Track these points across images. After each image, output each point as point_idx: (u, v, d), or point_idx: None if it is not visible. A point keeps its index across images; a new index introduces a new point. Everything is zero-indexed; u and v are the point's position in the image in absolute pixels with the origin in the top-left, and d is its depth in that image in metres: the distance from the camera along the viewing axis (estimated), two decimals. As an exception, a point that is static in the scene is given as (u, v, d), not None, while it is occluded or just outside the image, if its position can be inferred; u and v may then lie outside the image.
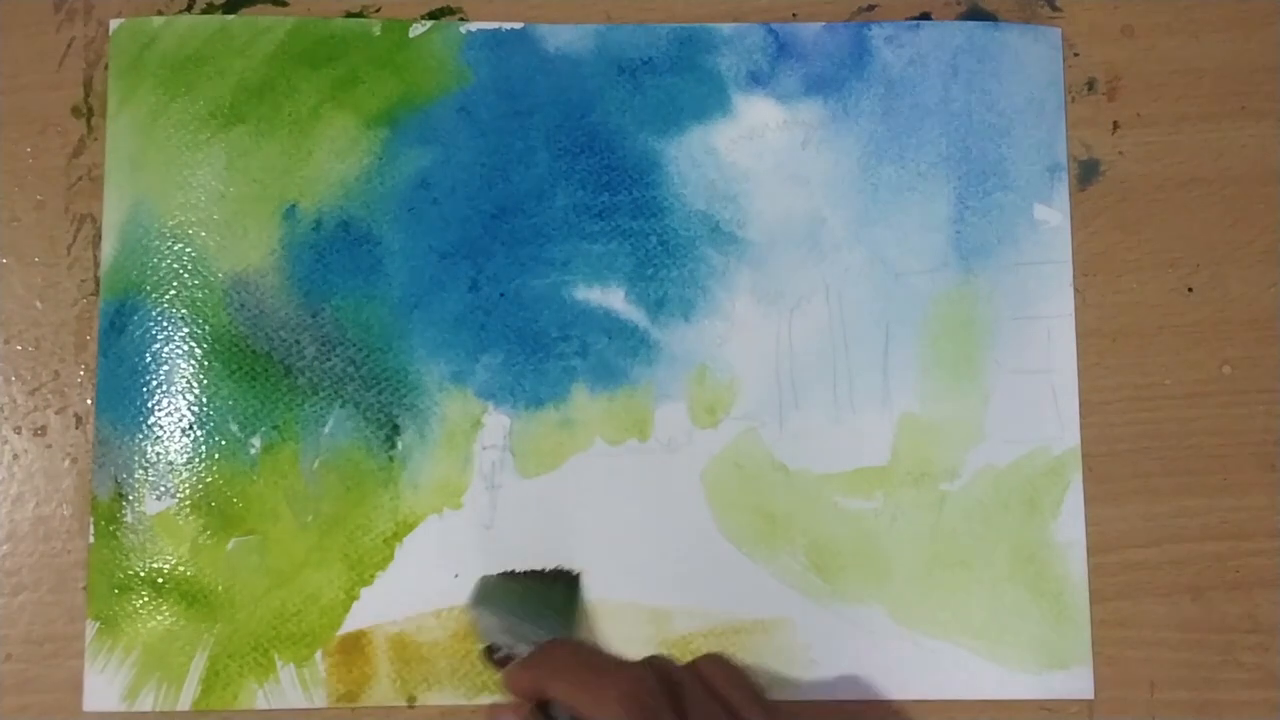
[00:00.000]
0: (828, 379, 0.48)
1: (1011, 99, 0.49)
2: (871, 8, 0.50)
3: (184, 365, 0.47)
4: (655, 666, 0.39)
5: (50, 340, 0.48)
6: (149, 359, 0.47)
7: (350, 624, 0.46)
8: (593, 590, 0.47)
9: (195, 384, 0.47)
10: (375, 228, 0.48)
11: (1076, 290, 0.49)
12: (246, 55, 0.49)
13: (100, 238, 0.48)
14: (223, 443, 0.47)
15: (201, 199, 0.48)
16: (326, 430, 0.47)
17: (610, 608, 0.47)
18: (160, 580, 0.46)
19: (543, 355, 0.48)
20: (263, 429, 0.47)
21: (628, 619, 0.47)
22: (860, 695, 0.47)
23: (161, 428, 0.47)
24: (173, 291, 0.48)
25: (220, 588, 0.46)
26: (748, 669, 0.43)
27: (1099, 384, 0.48)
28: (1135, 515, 0.48)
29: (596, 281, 0.48)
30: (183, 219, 0.48)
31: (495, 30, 0.49)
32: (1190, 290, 0.49)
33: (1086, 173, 0.49)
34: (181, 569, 0.47)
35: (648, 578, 0.47)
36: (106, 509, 0.47)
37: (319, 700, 0.46)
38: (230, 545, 0.47)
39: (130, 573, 0.46)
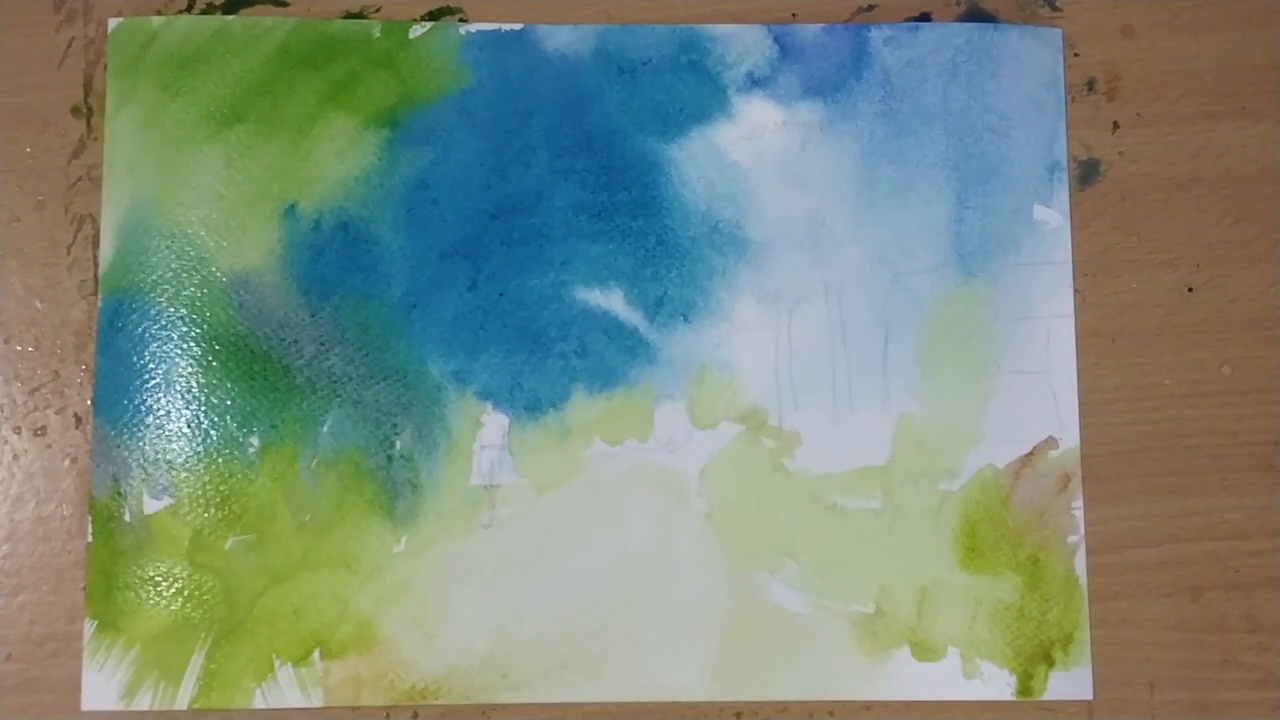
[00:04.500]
0: (827, 379, 0.48)
1: (1011, 99, 0.49)
2: (871, 9, 0.50)
3: (183, 365, 0.47)
4: None
5: (50, 340, 0.48)
6: (148, 358, 0.47)
7: (348, 623, 0.46)
8: (593, 590, 0.47)
9: (194, 383, 0.47)
10: (374, 228, 0.48)
11: (1076, 290, 0.49)
12: (246, 55, 0.49)
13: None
14: (221, 442, 0.47)
15: (201, 199, 0.48)
16: (325, 429, 0.47)
17: (610, 608, 0.47)
18: (158, 579, 0.46)
19: (542, 355, 0.48)
20: (261, 428, 0.47)
21: (628, 617, 0.47)
22: (860, 696, 0.47)
23: (160, 427, 0.47)
24: (172, 291, 0.48)
25: (218, 587, 0.46)
26: None
27: (1099, 384, 0.48)
28: (1135, 515, 0.48)
29: (596, 281, 0.48)
30: (182, 219, 0.48)
31: (495, 31, 0.49)
32: (1190, 290, 0.49)
33: (1086, 173, 0.49)
34: (179, 568, 0.47)
35: (647, 577, 0.47)
36: (104, 508, 0.47)
37: (317, 700, 0.46)
38: (228, 544, 0.47)
39: (128, 572, 0.46)
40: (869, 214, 0.49)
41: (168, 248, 0.48)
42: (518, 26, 0.49)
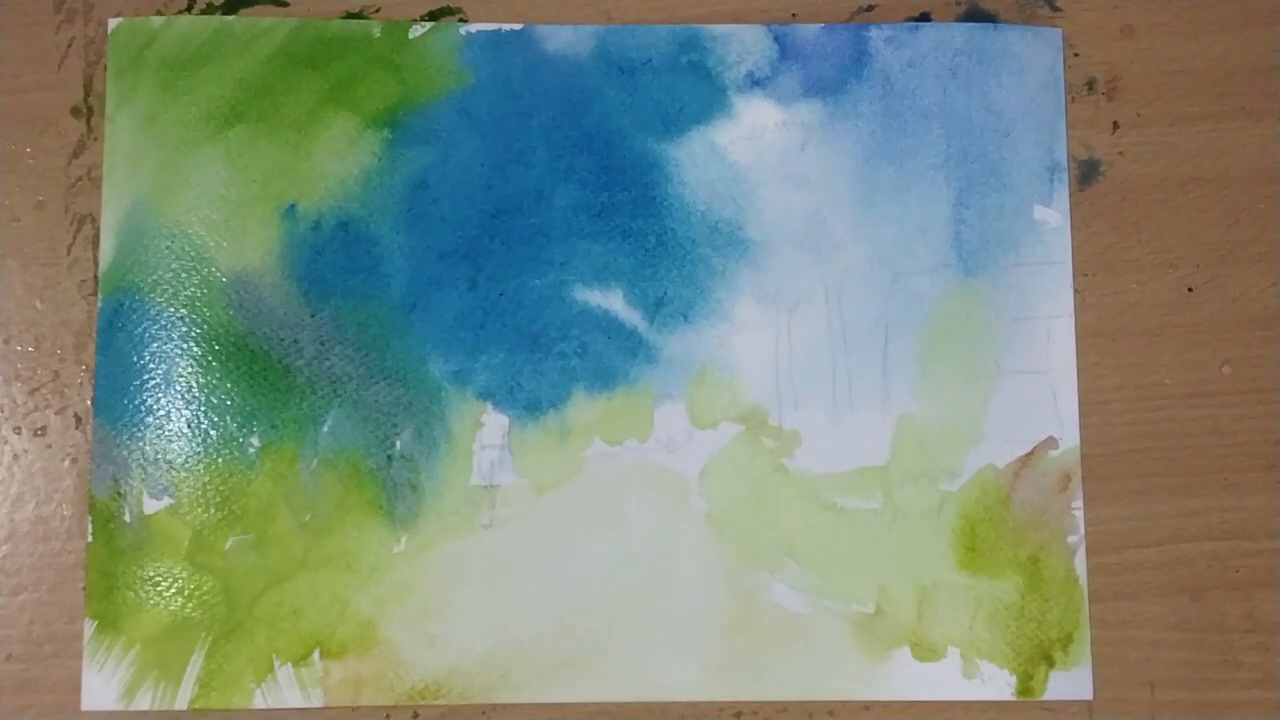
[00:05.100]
0: (827, 379, 0.48)
1: (1011, 100, 0.49)
2: (871, 8, 0.50)
3: (183, 365, 0.47)
4: None
5: (50, 340, 0.48)
6: (148, 358, 0.47)
7: (348, 623, 0.46)
8: (593, 590, 0.47)
9: (194, 383, 0.47)
10: (374, 228, 0.48)
11: (1076, 290, 0.49)
12: (246, 56, 0.49)
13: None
14: (221, 442, 0.47)
15: (201, 199, 0.48)
16: (325, 429, 0.47)
17: (610, 607, 0.47)
18: (158, 579, 0.46)
19: (542, 355, 0.48)
20: (261, 428, 0.47)
21: (628, 617, 0.47)
22: (860, 696, 0.47)
23: (160, 427, 0.47)
24: (171, 291, 0.48)
25: (218, 587, 0.46)
26: None
27: (1099, 384, 0.48)
28: (1135, 515, 0.48)
29: (596, 281, 0.48)
30: (182, 219, 0.48)
31: (495, 31, 0.49)
32: (1190, 290, 0.49)
33: (1086, 173, 0.49)
34: (179, 568, 0.47)
35: (647, 578, 0.47)
36: (104, 508, 0.47)
37: (316, 700, 0.46)
38: (228, 544, 0.47)
39: (128, 572, 0.46)
40: (869, 214, 0.49)
41: (168, 248, 0.48)
42: (518, 27, 0.49)
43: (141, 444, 0.47)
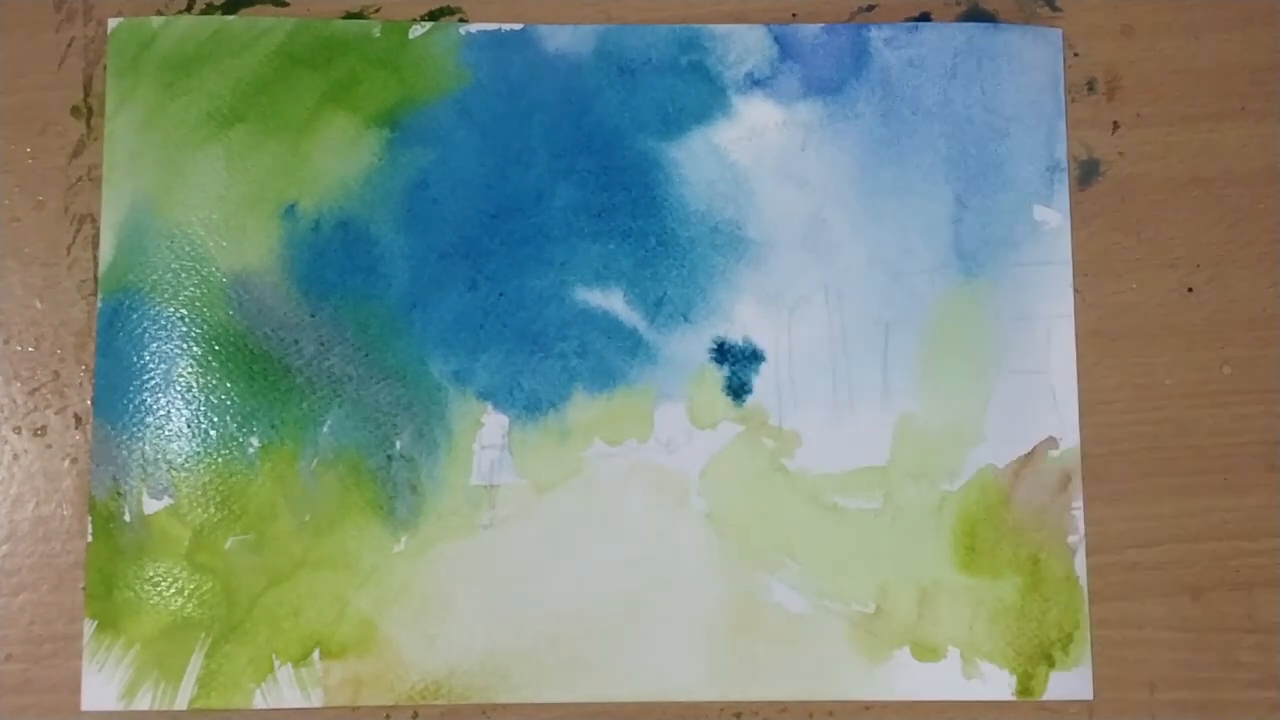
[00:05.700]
0: (827, 379, 0.48)
1: (1011, 99, 0.49)
2: (871, 8, 0.50)
3: (182, 365, 0.47)
4: None
5: (50, 340, 0.48)
6: (147, 359, 0.47)
7: (348, 623, 0.46)
8: (593, 590, 0.47)
9: (194, 383, 0.47)
10: (375, 227, 0.48)
11: (1076, 290, 0.49)
12: (246, 55, 0.49)
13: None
14: (221, 442, 0.47)
15: (201, 199, 0.48)
16: (325, 430, 0.47)
17: (610, 607, 0.47)
18: (158, 579, 0.47)
19: (542, 355, 0.48)
20: (261, 428, 0.47)
21: (628, 617, 0.47)
22: (860, 696, 0.47)
23: (160, 427, 0.47)
24: (171, 291, 0.48)
25: (218, 587, 0.46)
26: None
27: (1099, 384, 0.48)
28: (1135, 515, 0.48)
29: (596, 282, 0.48)
30: (182, 219, 0.48)
31: (495, 31, 0.49)
32: (1190, 290, 0.49)
33: (1086, 173, 0.49)
34: (179, 568, 0.47)
35: (647, 577, 0.47)
36: (104, 508, 0.47)
37: (316, 700, 0.46)
38: (228, 544, 0.47)
39: (128, 572, 0.46)
40: (869, 214, 0.49)
41: (167, 248, 0.48)
42: (518, 26, 0.49)
43: (141, 444, 0.47)
